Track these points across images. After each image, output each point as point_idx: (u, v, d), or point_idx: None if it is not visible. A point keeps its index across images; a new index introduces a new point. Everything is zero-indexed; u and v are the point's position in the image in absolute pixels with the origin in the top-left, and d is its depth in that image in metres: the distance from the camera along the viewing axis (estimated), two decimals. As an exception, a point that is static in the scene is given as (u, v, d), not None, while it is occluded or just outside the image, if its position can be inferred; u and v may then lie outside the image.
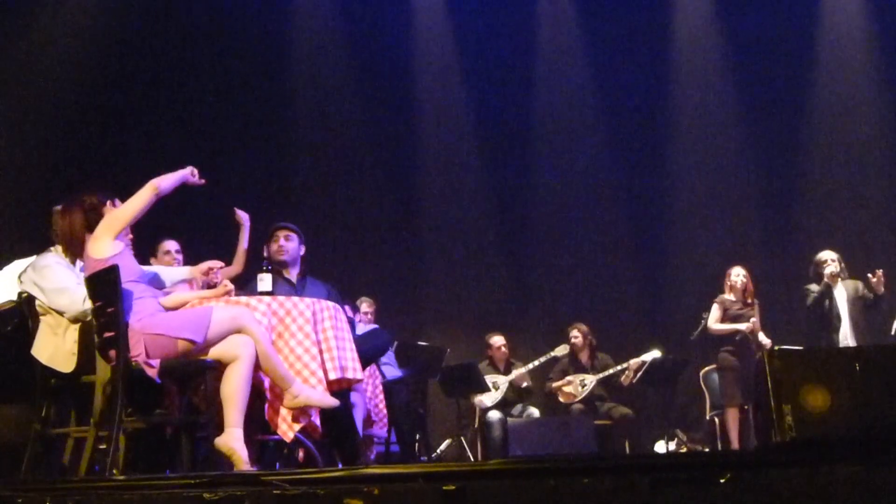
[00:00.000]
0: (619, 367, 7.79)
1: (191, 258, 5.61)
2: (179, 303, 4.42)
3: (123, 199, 4.29)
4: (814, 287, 7.42)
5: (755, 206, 9.55)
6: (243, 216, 5.41)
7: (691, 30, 9.70)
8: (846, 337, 7.23)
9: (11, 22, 8.26)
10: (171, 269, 4.98)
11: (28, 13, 8.35)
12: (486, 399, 7.74)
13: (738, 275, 7.58)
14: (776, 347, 3.17)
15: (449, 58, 9.70)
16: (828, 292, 7.33)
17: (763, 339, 7.36)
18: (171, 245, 5.72)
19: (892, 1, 9.32)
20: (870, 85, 9.45)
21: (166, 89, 8.93)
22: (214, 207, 8.50)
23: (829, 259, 7.41)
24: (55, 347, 4.17)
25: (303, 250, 5.51)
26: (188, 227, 6.88)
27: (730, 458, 3.72)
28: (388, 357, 7.16)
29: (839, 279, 7.34)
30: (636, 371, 7.71)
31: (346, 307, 6.75)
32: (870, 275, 7.24)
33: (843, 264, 7.45)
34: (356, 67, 9.56)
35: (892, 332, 7.20)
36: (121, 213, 4.19)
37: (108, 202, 4.31)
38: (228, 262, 5.23)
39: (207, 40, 9.07)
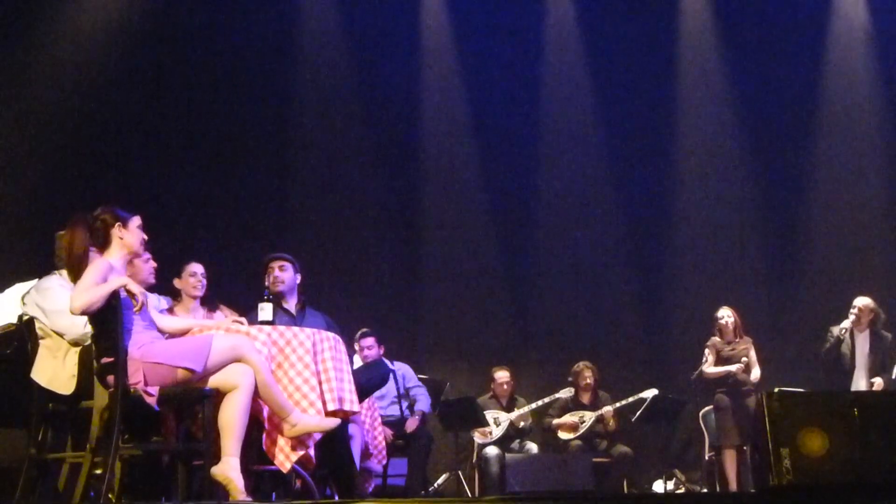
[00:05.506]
0: (602, 410, 7.77)
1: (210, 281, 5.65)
2: (180, 329, 4.42)
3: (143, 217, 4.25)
4: (835, 330, 7.36)
5: (757, 247, 9.55)
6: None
7: (695, 69, 9.76)
8: (857, 386, 7.19)
9: (7, 48, 8.29)
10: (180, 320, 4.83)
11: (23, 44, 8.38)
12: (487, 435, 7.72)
13: (724, 315, 7.58)
14: (776, 389, 3.15)
15: (451, 77, 9.69)
16: (839, 341, 7.29)
17: (754, 375, 7.39)
18: (196, 268, 5.58)
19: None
20: (873, 125, 9.51)
21: (167, 117, 8.82)
22: (219, 238, 8.55)
23: (857, 308, 7.29)
24: (55, 370, 4.16)
25: (299, 279, 5.51)
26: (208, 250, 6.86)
27: (726, 500, 3.71)
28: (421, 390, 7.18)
29: (857, 331, 7.27)
30: (615, 417, 7.77)
31: (366, 339, 6.78)
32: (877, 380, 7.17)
33: (876, 315, 7.30)
34: (357, 101, 9.55)
35: (893, 377, 7.17)
36: (91, 297, 3.92)
37: (119, 224, 4.16)
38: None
39: (209, 58, 8.99)
